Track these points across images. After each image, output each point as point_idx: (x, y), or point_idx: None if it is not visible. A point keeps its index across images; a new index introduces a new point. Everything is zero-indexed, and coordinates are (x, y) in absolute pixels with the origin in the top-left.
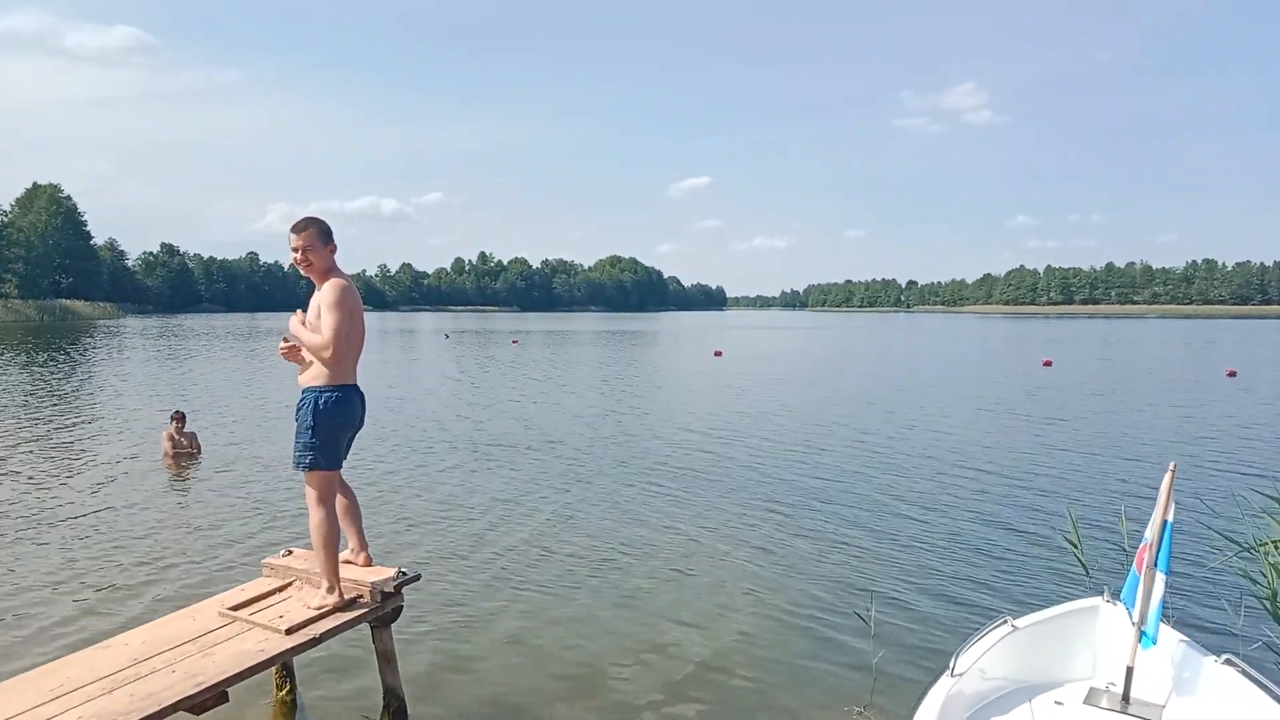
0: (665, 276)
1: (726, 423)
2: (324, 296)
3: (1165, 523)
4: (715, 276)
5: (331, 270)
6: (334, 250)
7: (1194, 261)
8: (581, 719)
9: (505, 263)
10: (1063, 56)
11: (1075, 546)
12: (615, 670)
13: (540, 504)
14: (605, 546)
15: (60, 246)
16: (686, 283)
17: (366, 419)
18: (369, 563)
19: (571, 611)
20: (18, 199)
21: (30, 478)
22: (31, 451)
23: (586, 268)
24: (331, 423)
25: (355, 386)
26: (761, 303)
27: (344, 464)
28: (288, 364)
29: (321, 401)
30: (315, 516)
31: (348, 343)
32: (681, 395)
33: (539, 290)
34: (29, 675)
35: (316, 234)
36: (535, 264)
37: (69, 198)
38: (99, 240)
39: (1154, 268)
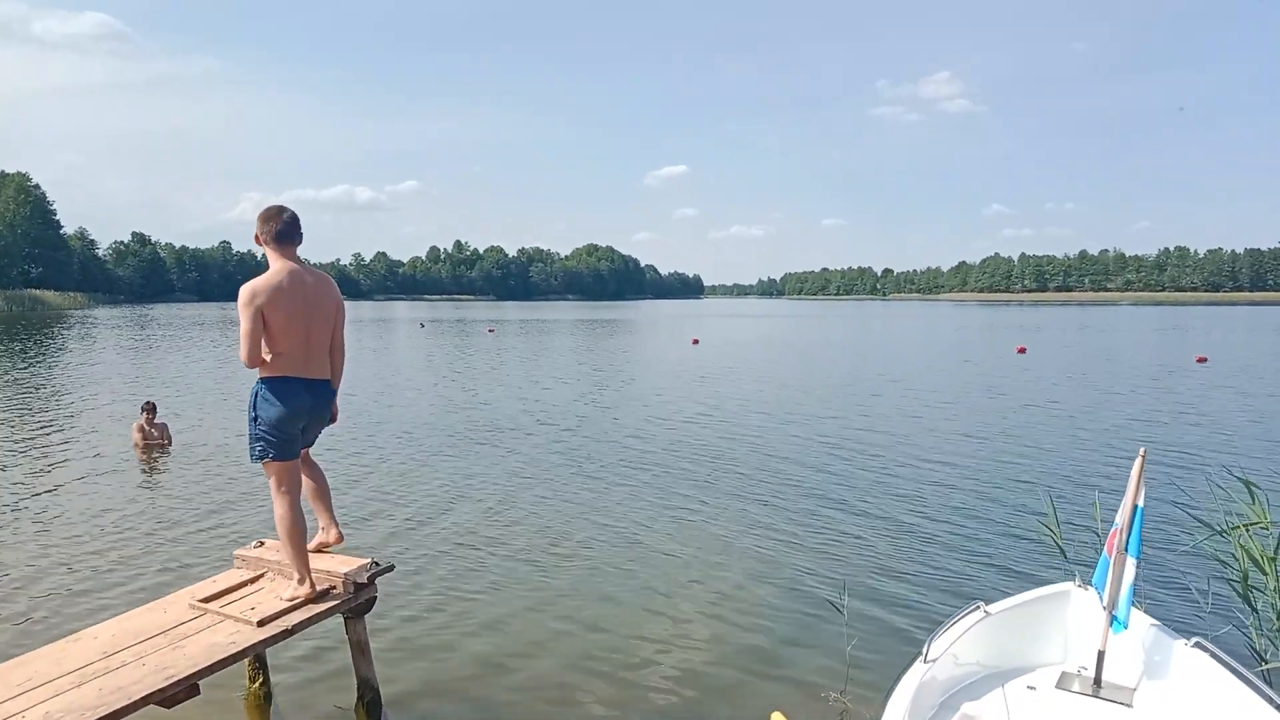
0: (642, 265)
1: (702, 411)
2: None
3: (1136, 507)
4: (693, 265)
5: (270, 262)
6: (274, 238)
7: (1166, 249)
8: (554, 708)
9: (481, 251)
10: (1039, 47)
11: (1054, 531)
12: (589, 660)
13: (515, 493)
14: (580, 536)
15: (29, 236)
16: (664, 271)
17: (342, 410)
18: (340, 538)
19: (544, 601)
20: None
21: None
22: None
23: (563, 256)
24: (272, 413)
25: (304, 378)
26: (739, 291)
27: (313, 452)
28: None
29: (260, 392)
30: (278, 508)
31: (276, 340)
32: (659, 384)
33: (515, 279)
34: None
35: (258, 226)
36: (511, 253)
37: (37, 186)
38: (69, 230)
39: (1127, 255)
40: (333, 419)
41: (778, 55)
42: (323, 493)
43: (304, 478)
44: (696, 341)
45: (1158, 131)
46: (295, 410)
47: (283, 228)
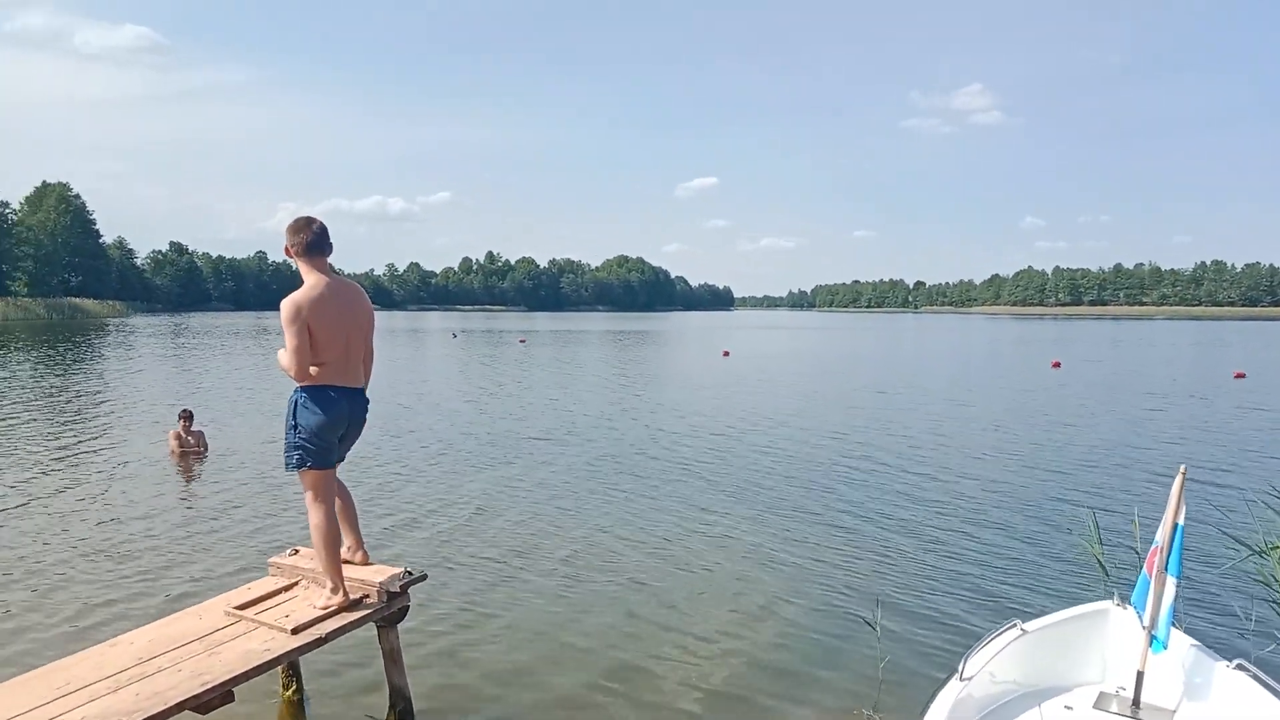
0: (673, 276)
1: (734, 423)
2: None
3: (1176, 526)
4: (723, 277)
5: (303, 274)
6: (304, 250)
7: (1203, 263)
8: (586, 715)
9: (513, 262)
10: (1071, 57)
11: (1095, 547)
12: (621, 671)
13: (548, 504)
14: (612, 547)
15: (69, 245)
16: (694, 283)
17: (373, 419)
18: (366, 560)
19: (573, 615)
20: (27, 197)
21: (37, 476)
22: (39, 450)
23: (594, 268)
24: (313, 421)
25: (344, 387)
26: (769, 303)
27: (342, 464)
28: None
29: (300, 401)
30: (314, 517)
31: (320, 351)
32: (689, 396)
33: (546, 290)
34: (35, 673)
35: (287, 238)
36: (543, 264)
37: (78, 196)
38: (108, 239)
39: (1163, 269)
40: None
41: (809, 66)
42: (349, 513)
43: None
44: (727, 354)
45: (1195, 141)
46: (335, 418)
47: (313, 239)
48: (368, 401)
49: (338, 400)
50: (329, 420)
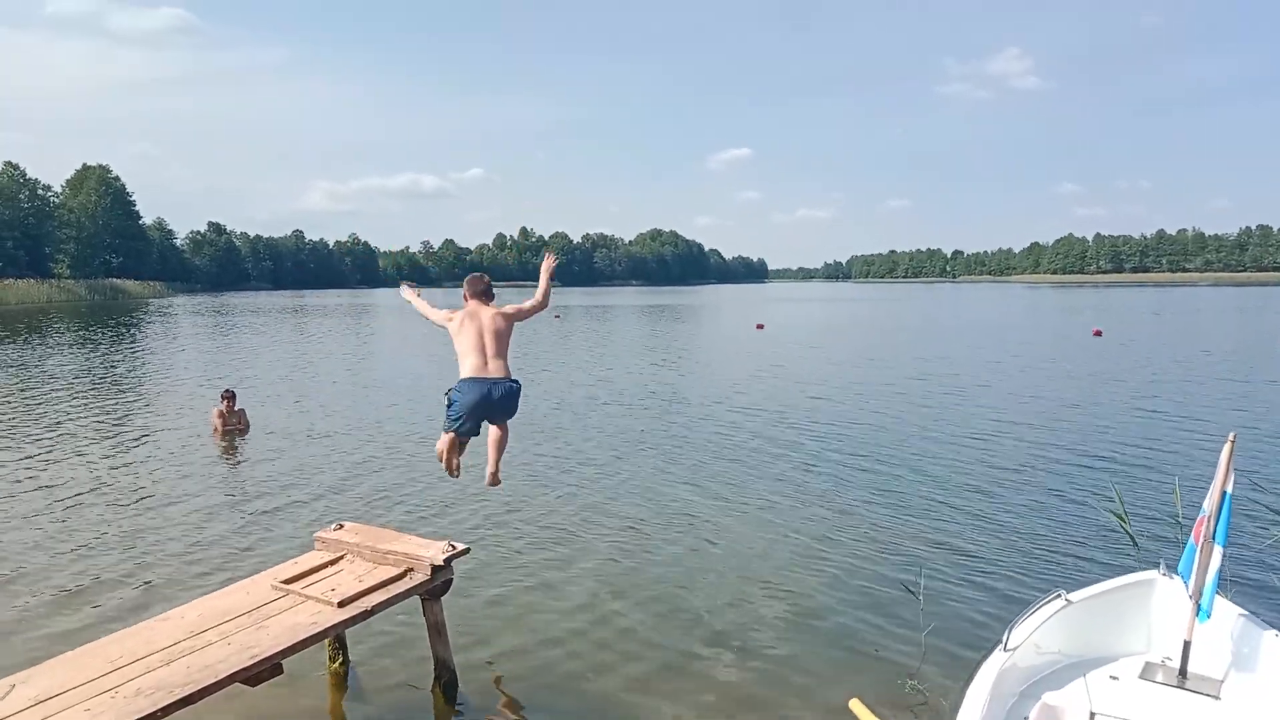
0: (706, 249)
1: (771, 395)
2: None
3: (1224, 494)
4: (756, 249)
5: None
6: (470, 295)
7: (1247, 227)
8: (629, 692)
9: (546, 238)
10: (1111, 20)
11: (1122, 519)
12: (663, 644)
13: (591, 475)
14: (656, 517)
15: (110, 226)
16: (727, 255)
17: (423, 397)
18: (495, 481)
19: (618, 585)
20: (68, 180)
21: (84, 455)
22: (85, 429)
23: (627, 242)
24: (454, 399)
25: (473, 379)
26: (804, 275)
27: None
28: (334, 342)
29: (454, 386)
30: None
31: (459, 351)
32: (725, 369)
33: (580, 265)
34: (91, 647)
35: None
36: (576, 238)
37: (118, 178)
38: (148, 220)
39: (1206, 235)
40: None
41: (841, 34)
42: (499, 444)
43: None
44: (761, 327)
45: (1235, 105)
46: (465, 401)
47: (482, 288)
48: (511, 384)
49: (467, 391)
50: (462, 401)
